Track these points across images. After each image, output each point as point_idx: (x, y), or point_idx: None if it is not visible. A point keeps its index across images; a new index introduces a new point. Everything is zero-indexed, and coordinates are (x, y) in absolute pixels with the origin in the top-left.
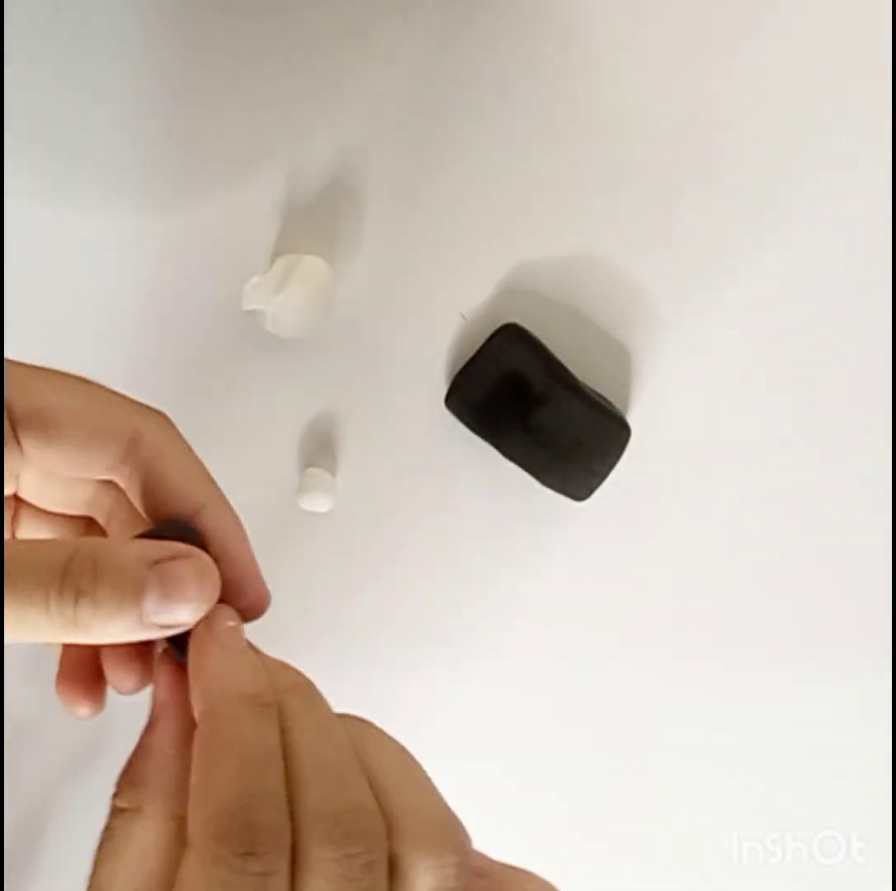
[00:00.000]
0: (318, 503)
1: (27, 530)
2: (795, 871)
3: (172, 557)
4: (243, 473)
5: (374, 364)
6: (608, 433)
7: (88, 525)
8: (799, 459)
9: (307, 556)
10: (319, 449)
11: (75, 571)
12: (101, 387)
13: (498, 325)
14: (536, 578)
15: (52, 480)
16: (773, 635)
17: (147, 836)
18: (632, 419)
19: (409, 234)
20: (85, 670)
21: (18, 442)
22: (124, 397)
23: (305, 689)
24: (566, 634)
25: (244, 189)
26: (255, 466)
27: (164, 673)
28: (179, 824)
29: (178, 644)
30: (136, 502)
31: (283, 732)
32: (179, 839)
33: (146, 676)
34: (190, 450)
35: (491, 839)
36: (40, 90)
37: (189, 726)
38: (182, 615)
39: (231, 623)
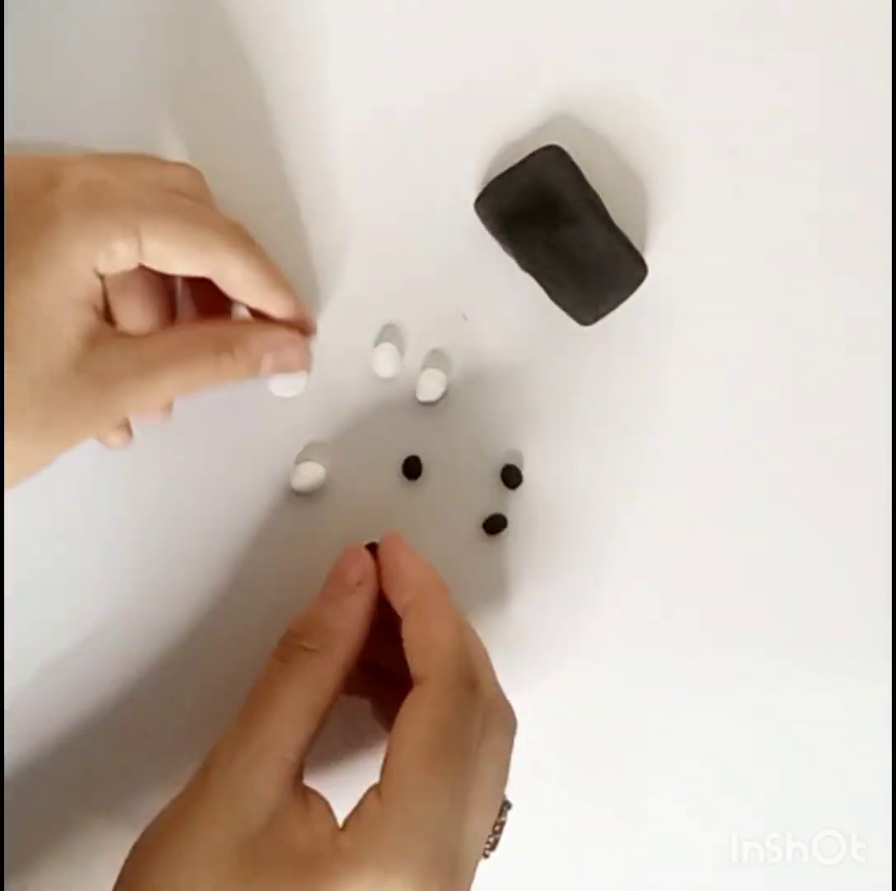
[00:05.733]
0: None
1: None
2: (795, 871)
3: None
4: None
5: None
6: (626, 266)
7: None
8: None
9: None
10: None
11: (229, 338)
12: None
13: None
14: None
15: (175, 251)
16: (773, 635)
17: (322, 673)
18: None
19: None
20: None
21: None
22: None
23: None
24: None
25: (245, 188)
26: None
27: (361, 557)
28: (347, 671)
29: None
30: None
31: None
32: (342, 684)
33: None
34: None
35: None
36: (40, 91)
37: (375, 601)
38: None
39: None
